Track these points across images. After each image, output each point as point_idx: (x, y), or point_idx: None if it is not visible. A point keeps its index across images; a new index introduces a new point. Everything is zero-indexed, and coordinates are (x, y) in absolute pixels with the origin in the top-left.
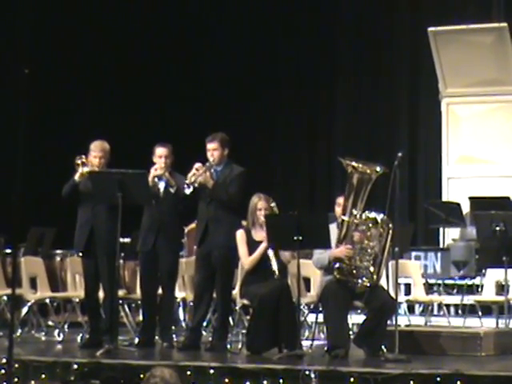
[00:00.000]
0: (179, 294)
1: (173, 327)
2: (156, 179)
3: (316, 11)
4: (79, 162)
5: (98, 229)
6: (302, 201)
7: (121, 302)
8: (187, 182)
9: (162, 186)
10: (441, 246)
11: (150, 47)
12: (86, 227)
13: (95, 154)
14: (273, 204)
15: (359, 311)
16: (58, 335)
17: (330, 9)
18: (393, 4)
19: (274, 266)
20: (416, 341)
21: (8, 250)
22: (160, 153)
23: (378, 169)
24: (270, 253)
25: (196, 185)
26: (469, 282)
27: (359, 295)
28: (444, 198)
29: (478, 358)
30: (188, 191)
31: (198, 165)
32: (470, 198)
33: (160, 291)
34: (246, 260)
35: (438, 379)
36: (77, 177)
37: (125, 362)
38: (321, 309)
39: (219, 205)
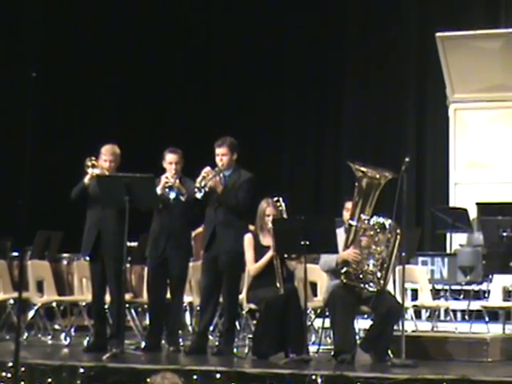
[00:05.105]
0: (186, 298)
1: (179, 331)
2: (167, 189)
3: (323, 15)
4: (89, 163)
5: (105, 232)
6: (308, 205)
7: (127, 305)
8: (197, 186)
9: (173, 195)
10: (448, 251)
11: (159, 51)
12: (93, 230)
13: (106, 158)
14: (282, 208)
15: (366, 316)
16: (65, 339)
17: (338, 14)
18: (401, 9)
19: (279, 282)
20: (422, 346)
21: (15, 254)
22: (170, 159)
23: (387, 174)
24: (277, 264)
25: (206, 189)
26: (475, 287)
27: (366, 300)
28: (451, 204)
29: (485, 363)
30: (199, 195)
31: (207, 169)
32: (478, 204)
33: (168, 295)
34: (252, 266)
35: None
36: (86, 179)
37: (131, 366)
38: (327, 313)
39: (227, 210)
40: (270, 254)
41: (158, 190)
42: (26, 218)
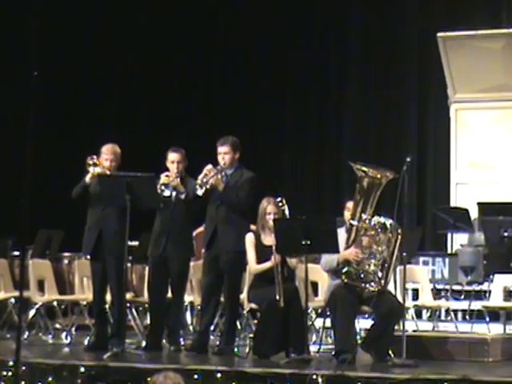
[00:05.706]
0: (187, 297)
1: (180, 331)
2: (163, 187)
3: (325, 14)
4: (91, 162)
5: (106, 231)
6: (310, 205)
7: (128, 305)
8: (198, 182)
9: (167, 193)
10: (449, 251)
11: (161, 51)
12: (94, 230)
13: (106, 157)
14: (284, 207)
15: (367, 316)
16: (66, 338)
17: (339, 13)
18: (402, 9)
19: (279, 295)
20: (423, 346)
21: (16, 253)
22: (172, 158)
23: (388, 174)
24: (278, 275)
25: (208, 186)
26: (476, 287)
27: (367, 300)
28: (452, 204)
29: (486, 363)
30: (200, 192)
31: (209, 167)
32: (479, 204)
33: (169, 295)
34: (253, 266)
35: None
36: (87, 178)
37: (132, 366)
38: (328, 313)
39: (229, 208)
40: (271, 263)
41: (158, 189)
42: (27, 217)
